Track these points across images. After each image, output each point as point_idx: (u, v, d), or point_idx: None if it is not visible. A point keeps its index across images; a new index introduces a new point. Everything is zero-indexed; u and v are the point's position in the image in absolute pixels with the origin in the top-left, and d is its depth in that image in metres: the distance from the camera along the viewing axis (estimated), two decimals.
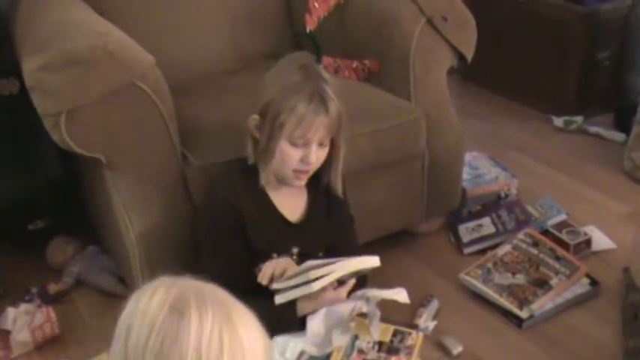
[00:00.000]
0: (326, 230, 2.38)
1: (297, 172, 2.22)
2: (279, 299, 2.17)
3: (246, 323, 1.16)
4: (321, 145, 2.20)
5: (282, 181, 2.27)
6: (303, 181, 2.27)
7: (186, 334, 1.09)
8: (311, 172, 2.26)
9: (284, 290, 2.17)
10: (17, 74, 2.58)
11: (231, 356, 1.10)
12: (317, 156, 2.20)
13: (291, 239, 2.31)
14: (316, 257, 2.31)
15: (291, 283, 2.17)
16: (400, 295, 2.30)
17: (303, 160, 2.18)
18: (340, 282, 2.23)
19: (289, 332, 2.22)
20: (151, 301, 1.12)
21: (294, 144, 2.16)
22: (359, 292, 2.30)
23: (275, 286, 2.19)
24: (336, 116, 2.16)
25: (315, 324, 2.23)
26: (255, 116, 2.21)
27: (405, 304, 2.30)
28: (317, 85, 2.14)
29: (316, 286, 2.10)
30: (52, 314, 2.60)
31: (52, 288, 2.79)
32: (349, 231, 2.49)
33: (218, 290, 1.19)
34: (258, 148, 2.22)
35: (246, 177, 2.26)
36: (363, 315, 2.29)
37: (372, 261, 2.21)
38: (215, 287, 1.20)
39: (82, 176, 2.91)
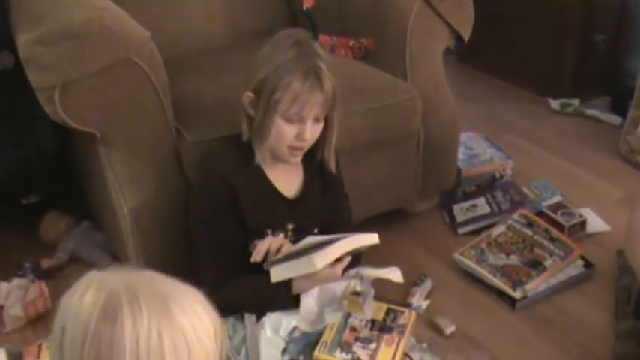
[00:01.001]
0: (321, 207, 2.38)
1: (291, 148, 2.21)
2: (275, 277, 2.16)
3: (188, 309, 1.11)
4: (316, 121, 2.19)
5: (277, 158, 2.27)
6: (298, 158, 2.26)
7: (121, 339, 1.05)
8: (306, 149, 2.25)
9: (282, 268, 2.17)
10: (12, 48, 2.57)
11: (173, 352, 1.07)
12: (311, 132, 2.19)
13: (287, 215, 2.30)
14: (311, 234, 2.31)
15: (291, 261, 2.17)
16: (394, 274, 2.30)
17: (298, 136, 2.18)
18: (336, 259, 2.23)
19: (283, 309, 2.22)
20: (81, 302, 1.09)
21: (289, 121, 2.15)
22: (353, 271, 2.31)
23: (271, 266, 2.19)
24: (331, 93, 2.15)
25: (308, 301, 2.23)
26: (250, 93, 2.19)
27: (398, 283, 2.30)
28: (312, 62, 2.13)
29: (319, 265, 2.10)
30: (45, 289, 2.60)
31: (45, 263, 2.79)
32: (344, 208, 2.49)
33: (153, 279, 1.15)
34: (253, 126, 2.21)
35: (240, 153, 2.25)
36: (356, 293, 2.29)
37: (371, 238, 2.21)
38: (150, 275, 1.16)
39: (76, 151, 2.90)
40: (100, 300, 1.08)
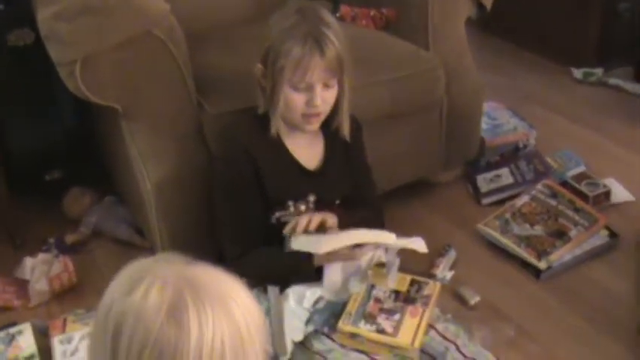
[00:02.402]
0: (344, 178, 2.36)
1: (305, 116, 2.19)
2: (295, 245, 2.16)
3: (242, 306, 1.09)
4: (325, 87, 2.16)
5: (293, 127, 2.25)
6: (314, 125, 2.23)
7: (187, 342, 1.02)
8: (323, 116, 2.23)
9: (300, 240, 2.17)
10: (32, 25, 2.57)
11: (233, 353, 1.05)
12: (323, 98, 2.16)
13: (308, 187, 2.28)
14: (333, 205, 2.29)
15: (310, 236, 2.17)
16: (418, 243, 2.28)
17: (309, 103, 2.15)
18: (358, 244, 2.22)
19: (305, 282, 2.22)
20: (145, 302, 1.04)
21: (296, 88, 2.14)
22: None
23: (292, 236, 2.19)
24: (335, 58, 2.11)
25: (333, 272, 2.23)
26: (259, 65, 2.19)
27: (422, 254, 2.29)
28: (312, 27, 2.10)
29: (323, 249, 2.11)
30: (70, 264, 2.61)
31: (69, 238, 2.80)
32: (366, 180, 2.46)
33: (210, 273, 1.12)
34: (266, 97, 2.21)
35: (258, 125, 2.24)
36: (381, 265, 2.28)
37: (388, 237, 2.20)
38: (206, 270, 1.12)
39: (99, 126, 2.91)
40: (166, 301, 1.04)
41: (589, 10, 4.00)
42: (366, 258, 2.25)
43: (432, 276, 2.52)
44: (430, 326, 2.20)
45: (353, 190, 2.38)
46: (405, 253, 2.33)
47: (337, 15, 2.83)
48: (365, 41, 2.71)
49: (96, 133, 3.00)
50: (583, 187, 2.94)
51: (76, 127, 3.02)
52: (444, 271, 2.60)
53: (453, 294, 2.52)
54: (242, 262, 2.21)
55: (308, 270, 2.23)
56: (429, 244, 2.29)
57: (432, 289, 2.29)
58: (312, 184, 2.29)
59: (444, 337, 2.19)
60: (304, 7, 2.17)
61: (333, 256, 2.19)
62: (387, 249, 2.28)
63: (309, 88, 2.13)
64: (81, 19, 2.12)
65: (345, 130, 2.30)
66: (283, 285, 2.21)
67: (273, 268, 2.24)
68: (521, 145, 3.23)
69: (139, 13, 2.19)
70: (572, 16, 4.06)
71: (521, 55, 4.28)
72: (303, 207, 2.29)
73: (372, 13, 2.89)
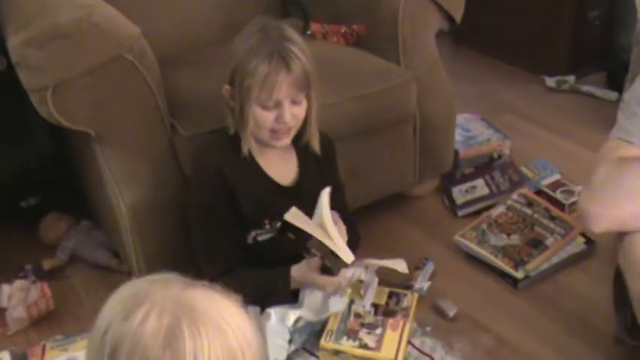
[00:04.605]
0: (319, 191, 2.35)
1: (274, 132, 2.19)
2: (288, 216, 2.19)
3: (237, 331, 1.11)
4: (294, 102, 2.17)
5: (264, 145, 2.25)
6: (283, 141, 2.24)
7: None
8: (293, 131, 2.24)
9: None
10: (3, 51, 2.56)
11: None
12: (293, 114, 2.17)
13: (283, 204, 2.26)
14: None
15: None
16: (399, 265, 2.30)
17: (278, 119, 2.16)
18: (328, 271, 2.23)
19: (282, 304, 2.22)
20: (143, 329, 1.06)
21: (264, 107, 2.15)
22: (358, 261, 2.30)
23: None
24: (301, 73, 2.13)
25: (313, 291, 2.23)
26: (227, 86, 2.20)
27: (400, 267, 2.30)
28: (276, 44, 2.11)
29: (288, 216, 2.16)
30: (47, 290, 2.60)
31: (47, 264, 2.78)
32: (340, 199, 2.45)
33: (207, 297, 1.14)
34: (235, 117, 2.21)
35: (230, 146, 2.24)
36: (360, 282, 2.29)
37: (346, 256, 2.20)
38: (204, 293, 1.14)
39: (73, 151, 2.90)
40: (163, 328, 1.06)
41: (560, 19, 4.04)
42: (346, 276, 2.25)
43: (410, 286, 2.52)
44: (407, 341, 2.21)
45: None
46: (384, 268, 2.33)
47: (308, 32, 2.84)
48: (336, 58, 2.72)
49: (70, 158, 2.99)
50: (558, 195, 2.96)
51: (50, 152, 3.01)
52: (421, 283, 2.60)
53: (432, 306, 2.51)
54: (219, 283, 2.21)
55: (285, 292, 2.23)
56: (406, 258, 2.31)
57: (411, 300, 2.30)
58: (287, 200, 2.28)
59: (421, 352, 2.20)
60: (266, 25, 2.19)
61: (312, 282, 2.20)
62: (366, 267, 2.29)
63: (278, 105, 2.14)
64: (52, 45, 2.12)
65: (315, 143, 2.32)
66: (260, 307, 2.21)
67: (250, 289, 2.21)
68: (495, 156, 3.24)
69: (109, 37, 2.19)
70: (543, 25, 4.10)
71: (493, 66, 4.31)
72: (278, 224, 2.29)
73: (343, 29, 2.89)
